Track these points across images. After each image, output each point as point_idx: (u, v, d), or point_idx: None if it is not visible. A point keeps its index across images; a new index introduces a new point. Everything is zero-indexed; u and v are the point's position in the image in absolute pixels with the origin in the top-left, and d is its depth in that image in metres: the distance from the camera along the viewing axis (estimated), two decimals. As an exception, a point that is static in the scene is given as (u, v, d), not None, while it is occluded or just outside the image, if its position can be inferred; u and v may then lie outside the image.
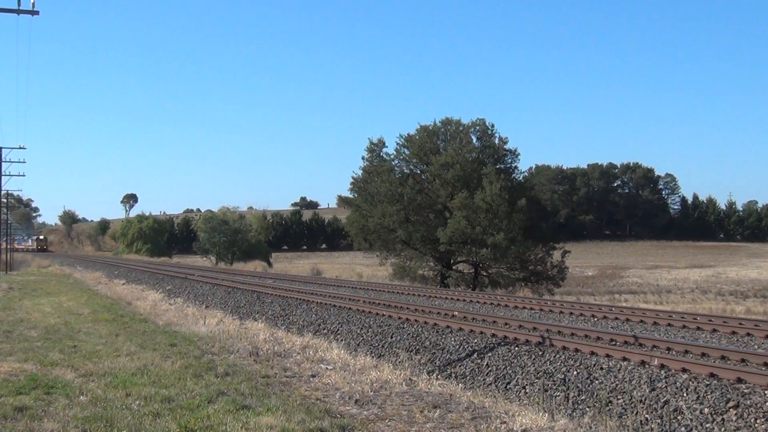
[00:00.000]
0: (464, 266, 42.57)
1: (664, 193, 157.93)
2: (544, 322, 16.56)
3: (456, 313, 18.58)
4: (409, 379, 10.26)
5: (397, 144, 44.14)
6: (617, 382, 10.89)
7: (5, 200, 64.25)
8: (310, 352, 12.47)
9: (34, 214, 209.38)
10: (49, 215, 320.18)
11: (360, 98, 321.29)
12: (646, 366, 11.13)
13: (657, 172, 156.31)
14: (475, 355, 13.88)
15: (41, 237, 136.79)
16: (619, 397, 10.53)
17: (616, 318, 17.68)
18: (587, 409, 10.50)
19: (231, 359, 11.49)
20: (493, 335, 14.75)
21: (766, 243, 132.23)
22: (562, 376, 11.75)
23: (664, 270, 79.76)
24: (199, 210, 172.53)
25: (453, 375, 13.24)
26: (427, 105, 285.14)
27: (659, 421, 9.57)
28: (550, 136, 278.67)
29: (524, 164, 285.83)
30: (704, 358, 11.53)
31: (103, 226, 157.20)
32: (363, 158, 45.45)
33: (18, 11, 17.11)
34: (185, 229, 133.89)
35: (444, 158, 40.50)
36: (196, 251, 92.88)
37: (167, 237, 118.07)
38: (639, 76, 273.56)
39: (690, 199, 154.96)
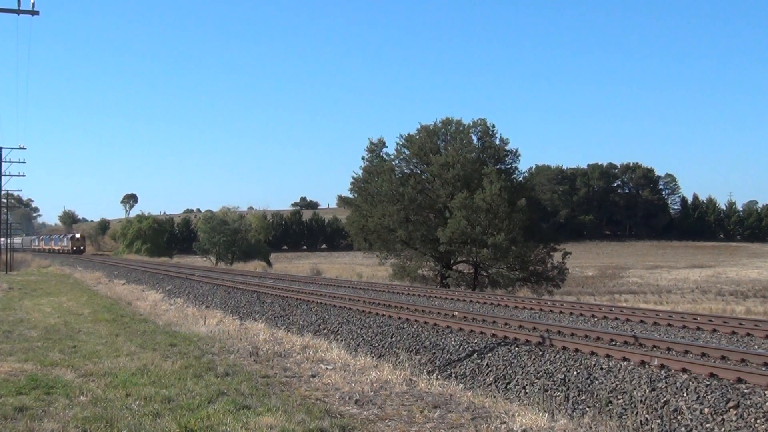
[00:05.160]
0: (464, 266, 42.55)
1: (664, 193, 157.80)
2: (544, 322, 16.55)
3: (456, 313, 18.58)
4: (409, 379, 10.26)
5: (398, 144, 44.14)
6: (617, 382, 10.89)
7: (5, 200, 64.20)
8: (310, 352, 12.48)
9: (34, 214, 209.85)
10: (49, 215, 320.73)
11: (360, 98, 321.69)
12: (646, 366, 11.13)
13: (657, 172, 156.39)
14: (475, 355, 13.88)
15: (77, 236, 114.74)
16: (619, 397, 10.53)
17: (616, 318, 17.68)
18: (587, 409, 10.50)
19: (231, 359, 11.49)
20: (493, 335, 14.75)
21: (766, 243, 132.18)
22: (562, 376, 11.75)
23: (664, 270, 79.76)
24: (199, 210, 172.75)
25: (453, 375, 13.24)
26: (428, 105, 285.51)
27: (659, 421, 9.57)
28: (550, 136, 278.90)
29: (524, 164, 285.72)
30: (704, 358, 11.53)
31: (103, 226, 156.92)
32: (363, 158, 45.44)
33: (18, 11, 17.10)
34: (185, 229, 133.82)
35: (444, 158, 40.48)
36: (196, 251, 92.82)
37: (167, 237, 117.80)
38: (639, 76, 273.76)
39: (690, 199, 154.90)
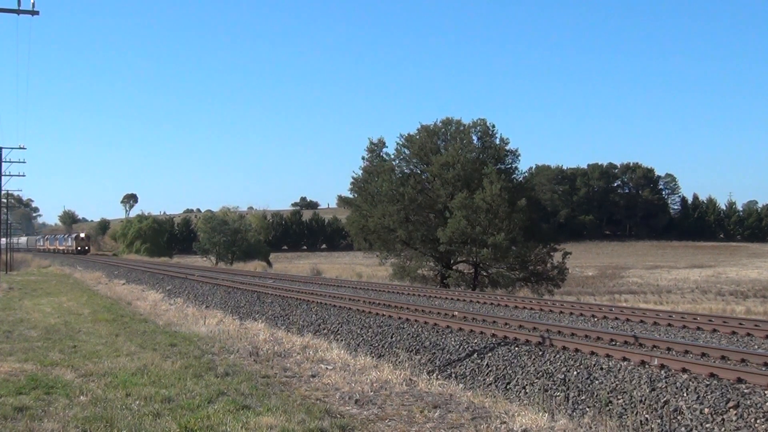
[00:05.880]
0: (464, 266, 42.54)
1: (664, 193, 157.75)
2: (544, 322, 16.55)
3: (456, 313, 18.58)
4: (409, 379, 10.26)
5: (398, 144, 44.13)
6: (617, 382, 10.89)
7: (5, 200, 64.20)
8: (310, 352, 12.47)
9: (34, 214, 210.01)
10: (49, 215, 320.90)
11: (360, 98, 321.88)
12: (646, 366, 11.13)
13: (657, 172, 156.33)
14: (475, 355, 13.88)
15: (82, 236, 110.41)
16: (619, 397, 10.53)
17: (616, 318, 17.68)
18: (587, 409, 10.50)
19: (231, 359, 11.49)
20: (493, 335, 14.75)
21: (766, 243, 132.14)
22: (562, 376, 11.75)
23: (664, 270, 79.74)
24: (199, 210, 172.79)
25: (453, 375, 13.24)
26: (428, 105, 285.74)
27: (659, 421, 9.57)
28: (550, 136, 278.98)
29: (524, 164, 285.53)
30: (704, 358, 11.53)
31: (103, 226, 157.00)
32: (363, 158, 45.44)
33: (18, 11, 17.10)
34: (185, 229, 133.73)
35: (444, 158, 40.47)
36: (196, 251, 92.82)
37: (167, 237, 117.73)
38: (639, 76, 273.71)
39: (690, 199, 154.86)
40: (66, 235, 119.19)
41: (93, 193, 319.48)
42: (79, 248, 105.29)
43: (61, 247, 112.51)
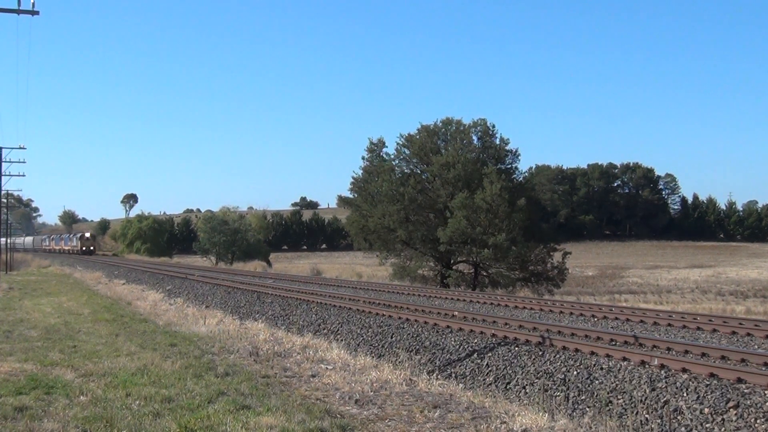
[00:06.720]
0: (464, 266, 42.55)
1: (664, 193, 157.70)
2: (544, 322, 16.55)
3: (456, 313, 18.58)
4: (409, 379, 10.26)
5: (398, 144, 44.15)
6: (617, 382, 10.89)
7: (5, 200, 64.18)
8: (310, 352, 12.47)
9: (34, 214, 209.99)
10: (49, 215, 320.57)
11: (360, 98, 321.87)
12: (646, 366, 11.13)
13: (657, 172, 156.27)
14: (475, 355, 13.88)
15: (87, 235, 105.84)
16: (619, 397, 10.53)
17: (616, 318, 17.68)
18: (587, 409, 10.50)
19: (231, 359, 11.49)
20: (493, 335, 14.75)
21: (766, 243, 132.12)
22: (562, 376, 11.75)
23: (664, 270, 79.72)
24: (199, 210, 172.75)
25: (453, 375, 13.24)
26: (428, 105, 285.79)
27: (659, 421, 9.57)
28: (550, 136, 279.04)
29: (524, 164, 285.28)
30: (704, 358, 11.53)
31: (103, 226, 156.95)
32: (363, 158, 45.46)
33: (18, 11, 17.11)
34: (185, 229, 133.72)
35: (444, 158, 40.49)
36: (196, 251, 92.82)
37: (167, 237, 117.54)
38: (639, 76, 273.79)
39: (690, 199, 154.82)
40: (71, 235, 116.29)
41: (93, 193, 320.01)
42: (84, 248, 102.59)
43: (66, 247, 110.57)
